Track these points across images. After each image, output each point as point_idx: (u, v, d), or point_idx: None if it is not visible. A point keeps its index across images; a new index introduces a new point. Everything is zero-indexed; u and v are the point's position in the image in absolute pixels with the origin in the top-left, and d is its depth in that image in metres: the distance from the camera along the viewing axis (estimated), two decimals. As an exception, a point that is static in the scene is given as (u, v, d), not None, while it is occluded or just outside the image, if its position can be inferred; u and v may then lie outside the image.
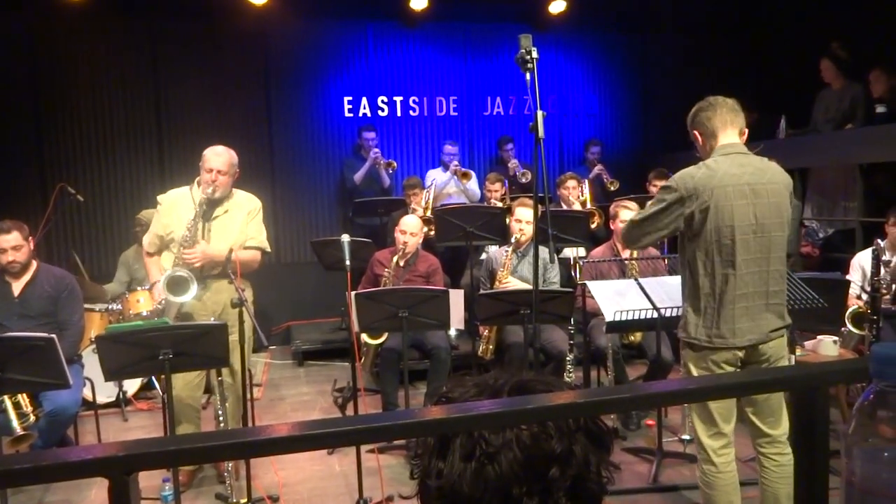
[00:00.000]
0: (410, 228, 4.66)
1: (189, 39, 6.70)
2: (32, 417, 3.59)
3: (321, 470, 3.86)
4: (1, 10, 6.19)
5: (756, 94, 7.05)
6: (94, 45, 6.51)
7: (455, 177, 6.65)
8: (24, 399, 3.60)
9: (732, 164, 2.59)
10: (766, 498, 2.75)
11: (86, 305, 4.47)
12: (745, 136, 2.74)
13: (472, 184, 6.72)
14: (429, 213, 5.78)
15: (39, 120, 6.48)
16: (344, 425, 0.70)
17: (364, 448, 3.52)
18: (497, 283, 4.49)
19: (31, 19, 6.34)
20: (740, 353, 2.61)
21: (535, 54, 2.89)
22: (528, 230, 4.49)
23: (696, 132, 2.73)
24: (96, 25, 6.44)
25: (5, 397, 3.41)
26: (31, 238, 4.00)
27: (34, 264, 4.00)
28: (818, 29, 6.53)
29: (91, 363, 4.24)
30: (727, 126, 2.67)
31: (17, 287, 3.91)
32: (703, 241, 2.57)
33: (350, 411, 4.58)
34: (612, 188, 6.57)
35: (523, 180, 6.66)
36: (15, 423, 3.43)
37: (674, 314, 3.42)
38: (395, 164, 6.69)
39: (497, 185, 6.27)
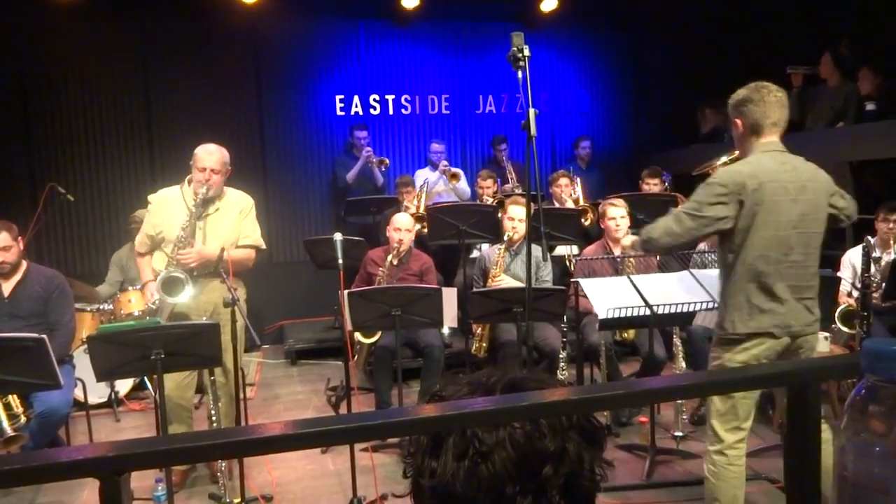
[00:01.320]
0: (405, 226, 4.66)
1: (179, 38, 6.67)
2: (23, 419, 3.56)
3: (315, 469, 3.85)
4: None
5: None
6: (83, 44, 6.46)
7: (444, 176, 6.64)
8: (14, 400, 3.58)
9: (774, 161, 2.63)
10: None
11: (77, 305, 4.44)
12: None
13: (462, 183, 6.72)
14: (422, 212, 5.76)
15: (28, 119, 6.43)
16: (337, 424, 0.70)
17: (358, 447, 3.52)
18: (490, 280, 4.50)
19: (20, 18, 6.29)
20: (779, 348, 2.65)
21: (526, 52, 2.90)
22: (521, 228, 4.50)
23: (738, 121, 2.70)
24: (86, 24, 6.40)
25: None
26: (20, 238, 3.97)
27: (24, 264, 3.97)
28: (812, 25, 6.56)
29: (82, 363, 4.22)
30: (774, 124, 2.68)
31: (6, 287, 3.89)
32: (749, 237, 2.59)
33: (343, 410, 4.58)
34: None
35: (517, 190, 6.65)
36: (5, 424, 3.40)
37: (667, 311, 3.43)
38: (388, 161, 6.67)
39: (489, 182, 6.27)
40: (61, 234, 6.53)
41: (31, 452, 1.06)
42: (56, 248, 6.50)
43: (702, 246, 4.43)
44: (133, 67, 6.63)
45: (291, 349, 6.08)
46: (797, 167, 2.67)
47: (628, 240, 3.31)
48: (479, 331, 4.54)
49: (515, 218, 4.52)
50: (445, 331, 4.46)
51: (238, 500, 3.23)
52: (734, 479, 2.69)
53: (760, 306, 2.61)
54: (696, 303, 3.47)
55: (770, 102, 2.66)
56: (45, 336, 3.08)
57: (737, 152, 5.35)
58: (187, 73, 6.67)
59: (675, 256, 4.09)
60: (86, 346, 4.42)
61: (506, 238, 4.59)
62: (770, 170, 2.59)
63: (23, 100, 6.40)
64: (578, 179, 6.36)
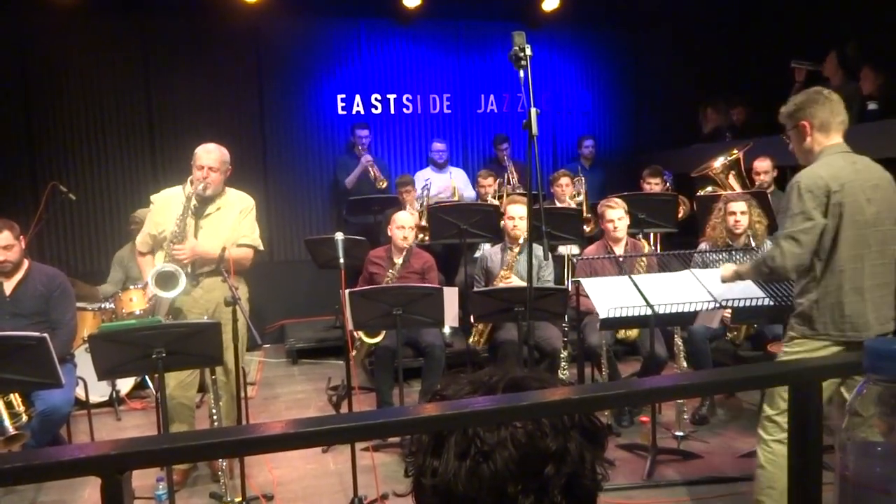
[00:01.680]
0: (407, 223, 4.66)
1: (181, 37, 6.67)
2: (25, 417, 3.57)
3: (316, 468, 3.85)
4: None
5: (750, 90, 7.08)
6: (85, 44, 6.46)
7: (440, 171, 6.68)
8: (15, 399, 3.59)
9: (846, 161, 2.66)
10: None
11: (78, 304, 4.45)
12: None
13: (468, 190, 6.74)
14: (423, 222, 5.73)
15: (30, 118, 6.43)
16: (339, 423, 0.70)
17: (358, 446, 3.52)
18: (500, 280, 4.48)
19: (22, 18, 6.29)
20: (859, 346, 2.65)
21: (528, 51, 2.90)
22: (522, 225, 4.50)
23: (805, 122, 2.71)
24: (87, 24, 6.40)
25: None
26: (22, 237, 3.98)
27: (26, 263, 3.97)
28: (814, 25, 6.55)
29: (84, 362, 4.22)
30: (841, 123, 2.71)
31: (8, 286, 3.89)
32: (835, 237, 2.61)
33: (344, 409, 4.58)
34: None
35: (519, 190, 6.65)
36: (7, 422, 3.41)
37: (668, 311, 3.43)
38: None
39: (490, 180, 6.27)
40: (63, 233, 6.53)
41: (33, 451, 1.06)
42: (57, 247, 6.51)
43: (702, 245, 4.44)
44: (134, 67, 6.63)
45: (292, 348, 6.08)
46: (868, 166, 2.71)
47: (728, 269, 3.14)
48: (479, 325, 4.54)
49: (516, 217, 4.52)
50: (447, 330, 4.46)
51: (239, 499, 3.23)
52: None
53: (845, 306, 2.62)
54: (697, 303, 3.47)
55: (834, 101, 2.71)
56: (46, 335, 3.08)
57: (735, 151, 5.40)
58: (188, 73, 6.67)
59: (676, 256, 4.09)
60: (87, 344, 4.42)
61: (507, 237, 4.59)
62: (844, 169, 2.63)
63: (25, 99, 6.40)
64: (584, 179, 6.35)
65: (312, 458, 3.92)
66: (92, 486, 3.60)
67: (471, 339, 4.55)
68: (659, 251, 5.16)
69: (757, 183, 5.26)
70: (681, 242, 5.88)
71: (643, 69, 7.89)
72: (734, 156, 5.42)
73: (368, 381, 4.85)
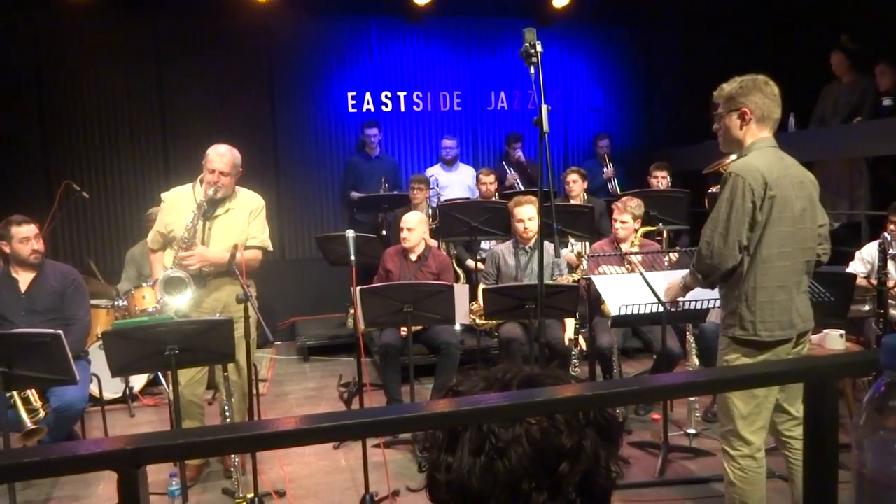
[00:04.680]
0: (408, 224, 4.67)
1: (192, 36, 6.70)
2: (42, 412, 3.60)
3: (327, 465, 3.87)
4: (5, 8, 6.20)
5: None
6: (97, 44, 6.51)
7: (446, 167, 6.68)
8: (33, 394, 3.62)
9: (775, 156, 2.58)
10: (798, 482, 2.72)
11: (92, 301, 4.48)
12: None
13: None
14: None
15: (44, 117, 6.49)
16: (354, 418, 0.70)
17: (369, 443, 3.53)
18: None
19: (35, 17, 6.34)
20: (790, 347, 2.60)
21: (539, 48, 2.89)
22: (533, 226, 4.50)
23: (746, 109, 2.57)
24: (100, 23, 6.44)
25: (14, 392, 3.42)
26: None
27: (42, 260, 4.01)
28: (826, 22, 6.50)
29: (97, 359, 4.25)
30: (776, 121, 2.62)
31: (23, 283, 3.92)
32: (763, 232, 2.52)
33: (355, 406, 4.59)
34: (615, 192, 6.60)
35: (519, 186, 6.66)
36: (25, 417, 3.44)
37: (680, 308, 3.41)
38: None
39: (491, 178, 6.29)
40: (76, 231, 6.59)
41: (51, 445, 1.07)
42: (71, 245, 6.56)
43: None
44: (146, 66, 6.67)
45: (303, 345, 6.11)
46: (794, 163, 2.63)
47: (674, 286, 3.04)
48: (475, 306, 4.53)
49: (525, 219, 4.52)
50: (457, 328, 4.46)
51: (251, 494, 3.25)
52: (762, 481, 2.63)
53: (781, 304, 2.54)
54: (709, 300, 3.45)
55: (777, 95, 2.60)
56: (61, 332, 3.10)
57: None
58: (200, 72, 6.71)
59: (689, 254, 4.07)
60: (101, 341, 4.46)
61: (518, 239, 4.59)
62: (775, 164, 2.54)
63: (39, 98, 6.45)
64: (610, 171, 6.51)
65: (324, 455, 3.94)
66: (105, 482, 3.64)
67: (474, 312, 4.54)
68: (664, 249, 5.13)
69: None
70: (693, 240, 5.86)
71: (654, 65, 7.85)
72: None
73: (380, 378, 4.86)
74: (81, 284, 4.10)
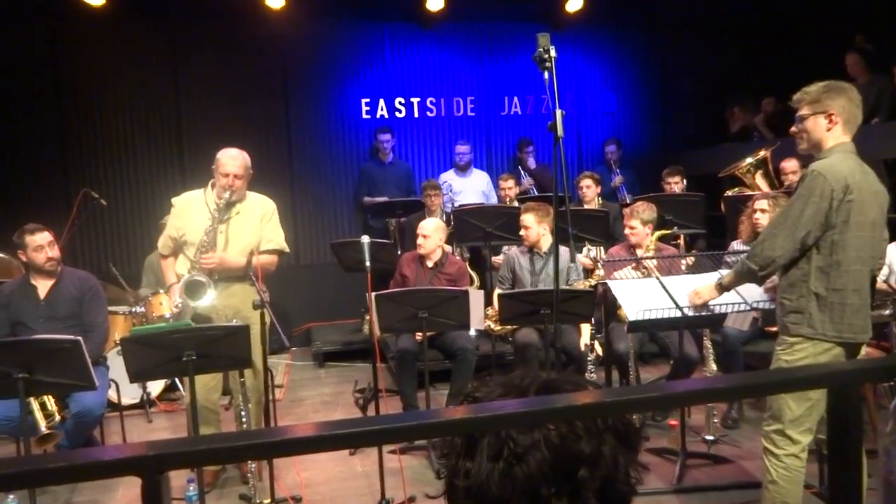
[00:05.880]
0: (424, 231, 4.68)
1: (208, 43, 6.76)
2: (57, 417, 3.63)
3: (343, 471, 3.87)
4: (23, 16, 6.30)
5: (777, 90, 6.97)
6: (115, 52, 6.58)
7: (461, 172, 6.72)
8: (49, 400, 3.66)
9: (856, 162, 2.59)
10: None
11: (110, 308, 4.52)
12: None
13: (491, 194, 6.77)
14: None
15: (63, 125, 6.57)
16: (376, 424, 0.70)
17: (386, 449, 3.53)
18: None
19: (53, 24, 6.44)
20: (857, 350, 2.63)
21: (553, 53, 2.89)
22: (531, 235, 4.53)
23: (834, 113, 2.57)
24: (117, 32, 6.52)
25: (31, 398, 3.46)
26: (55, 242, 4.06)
27: (59, 267, 4.06)
28: (840, 22, 6.44)
29: (116, 365, 4.29)
30: (857, 124, 2.63)
31: (42, 290, 3.96)
32: (842, 236, 2.54)
33: (371, 412, 4.60)
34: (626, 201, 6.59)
35: (534, 192, 6.67)
36: (41, 422, 3.48)
37: (699, 313, 3.38)
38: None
39: (510, 183, 6.28)
40: (94, 238, 6.66)
41: (76, 451, 1.08)
42: (89, 252, 6.63)
43: (734, 245, 4.37)
44: (163, 73, 6.74)
45: (319, 351, 6.12)
46: (870, 171, 2.65)
47: (707, 288, 3.09)
48: (490, 311, 4.52)
49: (523, 226, 4.55)
50: (472, 333, 4.45)
51: (268, 500, 3.26)
52: (802, 481, 2.69)
53: (846, 308, 2.56)
54: (727, 304, 3.41)
55: (860, 103, 2.63)
56: (80, 338, 3.13)
57: (762, 151, 5.32)
58: (216, 79, 6.77)
59: (707, 257, 4.04)
60: (119, 348, 4.50)
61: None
62: (857, 171, 2.56)
63: (58, 106, 6.54)
64: (620, 177, 6.53)
65: (339, 461, 3.94)
66: (125, 487, 3.67)
67: (489, 317, 4.54)
68: (680, 253, 5.10)
69: (786, 183, 5.18)
70: (709, 244, 5.83)
71: (668, 69, 7.82)
72: (761, 155, 5.35)
73: (395, 384, 4.86)
74: (99, 291, 4.14)
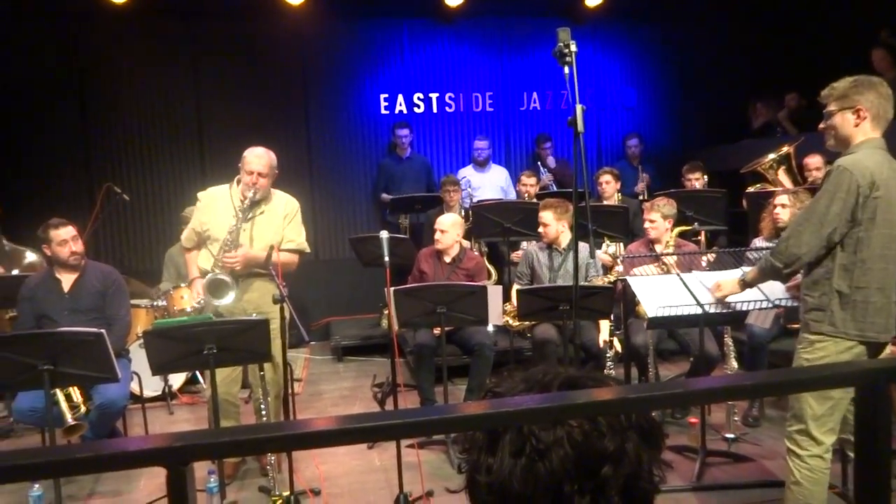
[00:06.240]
0: (441, 226, 4.68)
1: (227, 40, 6.81)
2: (83, 409, 3.69)
3: (361, 464, 3.89)
4: (46, 15, 6.38)
5: (801, 84, 6.87)
6: (136, 49, 6.65)
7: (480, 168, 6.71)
8: (74, 391, 3.71)
9: (884, 157, 2.56)
10: None
11: (132, 301, 4.58)
12: None
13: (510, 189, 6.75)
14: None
15: (86, 121, 6.65)
16: (402, 418, 0.70)
17: (403, 443, 3.54)
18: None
19: (75, 23, 6.51)
20: (880, 349, 2.60)
21: (573, 48, 2.87)
22: (550, 232, 4.50)
23: (862, 108, 2.53)
24: (138, 28, 6.58)
25: (57, 389, 3.51)
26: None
27: (83, 261, 4.11)
28: (866, 16, 6.33)
29: (138, 358, 4.35)
30: (887, 122, 2.59)
31: (66, 283, 4.02)
32: (867, 233, 2.50)
33: (389, 406, 4.61)
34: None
35: (553, 188, 6.64)
36: (67, 413, 3.53)
37: (719, 310, 3.35)
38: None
39: (532, 180, 6.25)
40: (116, 232, 6.74)
41: (103, 441, 1.10)
42: (112, 246, 6.72)
43: (758, 242, 4.32)
44: (184, 70, 6.81)
45: (338, 345, 6.16)
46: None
47: (730, 283, 3.07)
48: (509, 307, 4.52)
49: (540, 223, 4.52)
50: (490, 329, 4.45)
51: (287, 492, 3.29)
52: (827, 482, 2.66)
53: (869, 306, 2.52)
54: (749, 301, 3.37)
55: (890, 98, 2.57)
56: (103, 331, 3.17)
57: (785, 147, 5.24)
58: (235, 75, 6.82)
59: (729, 254, 4.00)
60: (141, 340, 4.56)
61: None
62: (885, 167, 2.52)
63: (81, 102, 6.62)
64: (647, 177, 6.51)
65: (358, 454, 3.96)
66: (146, 478, 3.72)
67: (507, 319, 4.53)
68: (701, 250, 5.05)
69: (809, 179, 5.11)
70: (730, 241, 5.76)
71: (689, 63, 7.72)
72: (785, 151, 5.28)
73: (413, 378, 4.87)
74: (122, 284, 4.19)
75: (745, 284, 2.98)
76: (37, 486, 3.20)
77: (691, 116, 7.73)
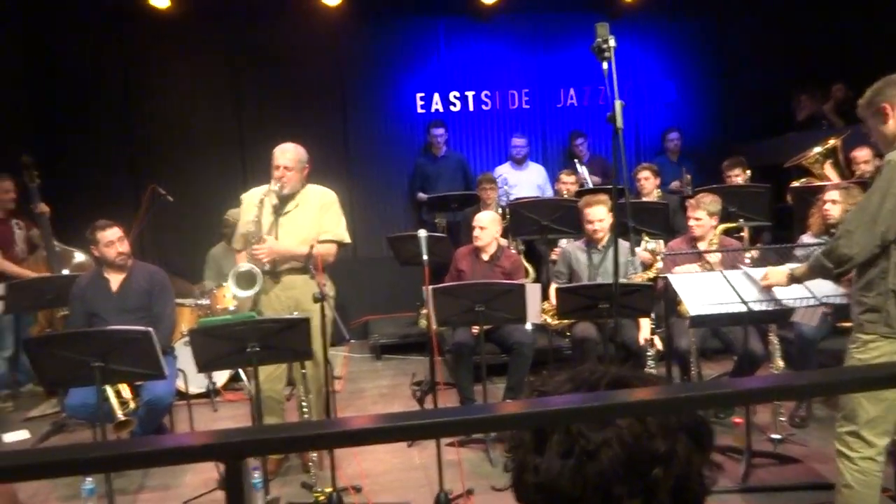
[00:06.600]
0: (480, 223, 4.66)
1: (266, 42, 6.92)
2: (132, 405, 3.79)
3: (401, 462, 3.91)
4: (93, 19, 6.58)
5: (847, 75, 6.67)
6: (178, 51, 6.81)
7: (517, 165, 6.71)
8: (124, 389, 3.81)
9: None
10: None
11: (176, 300, 4.68)
12: None
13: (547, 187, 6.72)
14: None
15: (132, 124, 6.84)
16: (448, 416, 0.71)
17: (444, 441, 3.55)
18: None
19: (121, 28, 6.70)
20: None
21: (612, 43, 2.85)
22: (603, 227, 4.42)
23: (885, 105, 2.52)
24: (180, 32, 6.72)
25: (107, 386, 3.61)
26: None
27: (130, 261, 4.22)
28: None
29: (183, 355, 4.46)
30: None
31: (114, 283, 4.13)
32: None
33: (428, 404, 4.63)
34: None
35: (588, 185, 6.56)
36: (117, 410, 3.63)
37: (764, 308, 3.27)
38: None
39: (572, 179, 6.20)
40: (160, 233, 6.90)
41: (163, 437, 1.13)
42: (155, 246, 6.87)
43: (806, 239, 4.21)
44: (224, 72, 6.95)
45: (376, 344, 6.20)
46: None
47: (778, 274, 3.02)
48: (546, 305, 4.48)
49: (595, 220, 4.43)
50: (528, 327, 4.43)
51: (329, 489, 3.33)
52: (879, 485, 2.59)
53: None
54: (795, 299, 3.29)
55: None
56: (151, 329, 3.25)
57: (831, 141, 5.10)
58: (274, 76, 6.93)
59: (774, 251, 3.91)
60: (186, 338, 4.67)
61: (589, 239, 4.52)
62: None
63: (126, 106, 6.81)
64: (689, 177, 6.36)
65: (398, 452, 3.98)
66: (192, 473, 3.80)
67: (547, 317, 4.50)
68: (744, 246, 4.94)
69: (857, 173, 4.96)
70: (775, 237, 5.63)
71: (730, 56, 7.57)
72: (831, 144, 5.14)
73: (451, 376, 4.88)
74: (167, 284, 4.29)
75: (794, 279, 2.92)
76: (89, 479, 3.30)
77: (732, 110, 7.58)
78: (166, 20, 6.52)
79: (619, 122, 2.81)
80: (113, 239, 4.04)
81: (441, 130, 6.81)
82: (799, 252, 3.97)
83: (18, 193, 5.27)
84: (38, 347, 3.29)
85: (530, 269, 5.51)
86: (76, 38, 6.62)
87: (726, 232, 4.39)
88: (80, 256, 5.41)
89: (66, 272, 5.06)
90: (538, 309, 3.96)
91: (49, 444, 4.30)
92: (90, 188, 6.56)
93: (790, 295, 3.29)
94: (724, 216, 4.50)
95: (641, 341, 4.27)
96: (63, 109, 6.62)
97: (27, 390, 5.35)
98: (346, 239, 3.96)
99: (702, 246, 4.27)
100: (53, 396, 4.92)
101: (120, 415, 3.59)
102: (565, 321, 4.46)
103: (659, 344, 4.31)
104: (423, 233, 3.72)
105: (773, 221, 5.19)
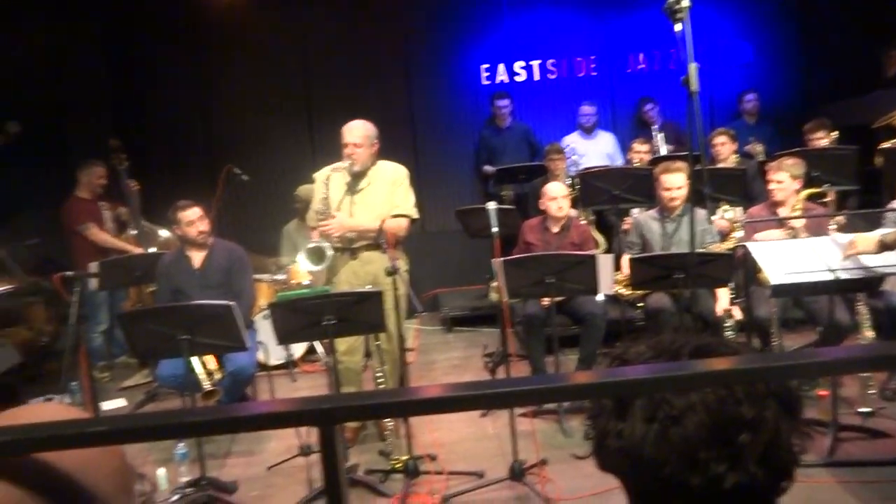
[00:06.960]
0: (559, 194, 4.60)
1: (332, 19, 7.01)
2: (218, 375, 3.98)
3: (474, 431, 3.97)
4: (168, 10, 6.81)
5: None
6: (249, 32, 6.98)
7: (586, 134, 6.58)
8: (210, 360, 4.01)
9: None
10: None
11: (254, 275, 4.86)
12: None
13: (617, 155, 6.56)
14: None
15: (208, 107, 7.09)
16: (542, 384, 0.72)
17: (517, 411, 3.57)
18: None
19: (194, 11, 6.91)
20: None
21: (686, 3, 2.73)
22: (680, 195, 4.27)
23: None
24: (253, 18, 6.90)
25: (194, 358, 3.81)
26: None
27: (210, 239, 4.40)
28: None
29: (262, 328, 4.64)
30: None
31: (196, 260, 4.32)
32: None
33: (500, 375, 4.66)
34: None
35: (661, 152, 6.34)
36: (204, 379, 3.83)
37: (852, 275, 3.13)
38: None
39: (645, 147, 6.01)
40: (237, 211, 7.15)
41: (260, 402, 1.19)
42: (232, 223, 7.13)
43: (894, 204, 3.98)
44: (295, 54, 7.09)
45: (447, 316, 6.27)
46: None
47: (868, 241, 2.87)
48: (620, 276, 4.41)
49: (673, 188, 4.29)
50: (600, 298, 4.38)
51: (406, 456, 3.42)
52: None
53: None
54: (884, 266, 3.13)
55: None
56: (233, 303, 3.40)
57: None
58: (341, 54, 7.02)
59: (861, 216, 3.72)
60: (264, 312, 4.85)
61: (664, 208, 4.39)
62: None
63: (201, 90, 7.05)
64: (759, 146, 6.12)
65: (471, 422, 4.04)
66: (276, 440, 3.98)
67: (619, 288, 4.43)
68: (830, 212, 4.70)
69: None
70: (862, 202, 5.34)
71: (810, 12, 7.14)
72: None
73: (522, 348, 4.90)
74: (246, 260, 4.46)
75: (885, 246, 2.75)
76: (182, 444, 3.51)
77: (814, 68, 7.17)
78: (240, 6, 6.69)
79: (694, 86, 2.72)
80: (193, 218, 4.22)
81: (506, 101, 6.72)
82: (889, 217, 3.75)
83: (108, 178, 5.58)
84: (130, 321, 3.50)
85: (601, 240, 5.43)
86: (149, 23, 6.88)
87: (810, 197, 4.19)
88: (164, 233, 5.68)
89: (152, 249, 5.32)
90: (610, 280, 3.90)
91: (144, 411, 4.57)
92: (170, 171, 6.87)
93: (880, 261, 3.13)
94: (808, 181, 4.29)
95: (719, 311, 4.15)
96: (143, 99, 6.93)
97: (121, 361, 5.69)
98: (416, 215, 4.02)
99: (783, 212, 4.10)
100: (145, 367, 5.22)
101: (207, 384, 3.78)
102: (638, 292, 4.38)
103: (738, 314, 4.18)
104: (492, 205, 3.71)
105: (861, 186, 4.91)
